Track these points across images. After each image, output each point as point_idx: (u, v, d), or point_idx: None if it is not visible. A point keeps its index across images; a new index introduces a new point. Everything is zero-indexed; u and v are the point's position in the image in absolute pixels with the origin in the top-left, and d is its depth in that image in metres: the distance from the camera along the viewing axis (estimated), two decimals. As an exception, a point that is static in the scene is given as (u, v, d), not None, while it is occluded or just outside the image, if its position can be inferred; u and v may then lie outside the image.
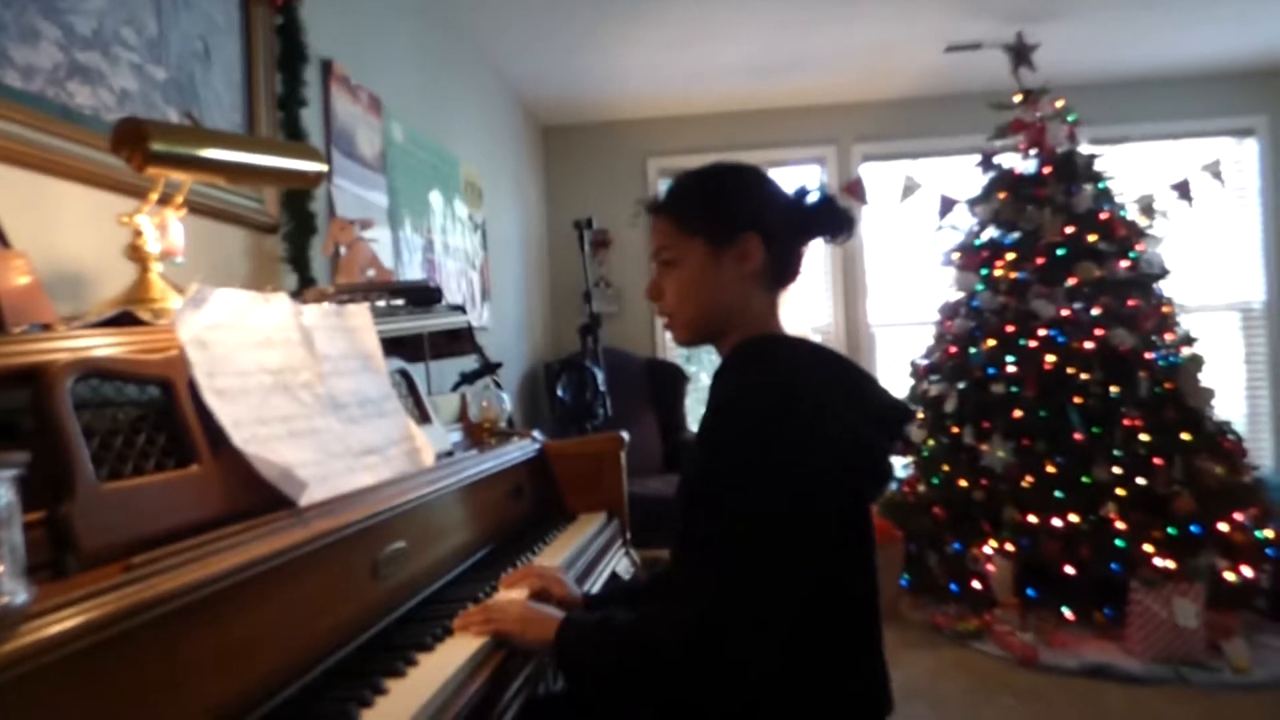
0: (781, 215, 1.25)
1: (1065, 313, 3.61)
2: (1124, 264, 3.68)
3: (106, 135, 1.26)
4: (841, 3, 3.79)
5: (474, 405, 2.09)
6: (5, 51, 1.33)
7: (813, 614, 1.09)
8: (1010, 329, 3.67)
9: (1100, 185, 3.83)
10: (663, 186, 1.45)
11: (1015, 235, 3.85)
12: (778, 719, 1.11)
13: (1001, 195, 3.89)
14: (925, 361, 4.10)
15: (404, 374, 1.70)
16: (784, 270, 1.27)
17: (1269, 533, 3.34)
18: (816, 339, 1.38)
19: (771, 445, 1.06)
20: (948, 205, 4.32)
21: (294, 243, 2.14)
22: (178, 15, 1.77)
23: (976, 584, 3.47)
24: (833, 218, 1.26)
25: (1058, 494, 3.39)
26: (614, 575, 1.93)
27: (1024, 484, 3.46)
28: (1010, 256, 3.81)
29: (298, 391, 1.23)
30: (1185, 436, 3.42)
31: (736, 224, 1.22)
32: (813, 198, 1.26)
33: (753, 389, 1.11)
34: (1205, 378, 3.55)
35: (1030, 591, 3.39)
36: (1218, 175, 4.17)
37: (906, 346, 5.01)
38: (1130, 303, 3.62)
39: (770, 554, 1.04)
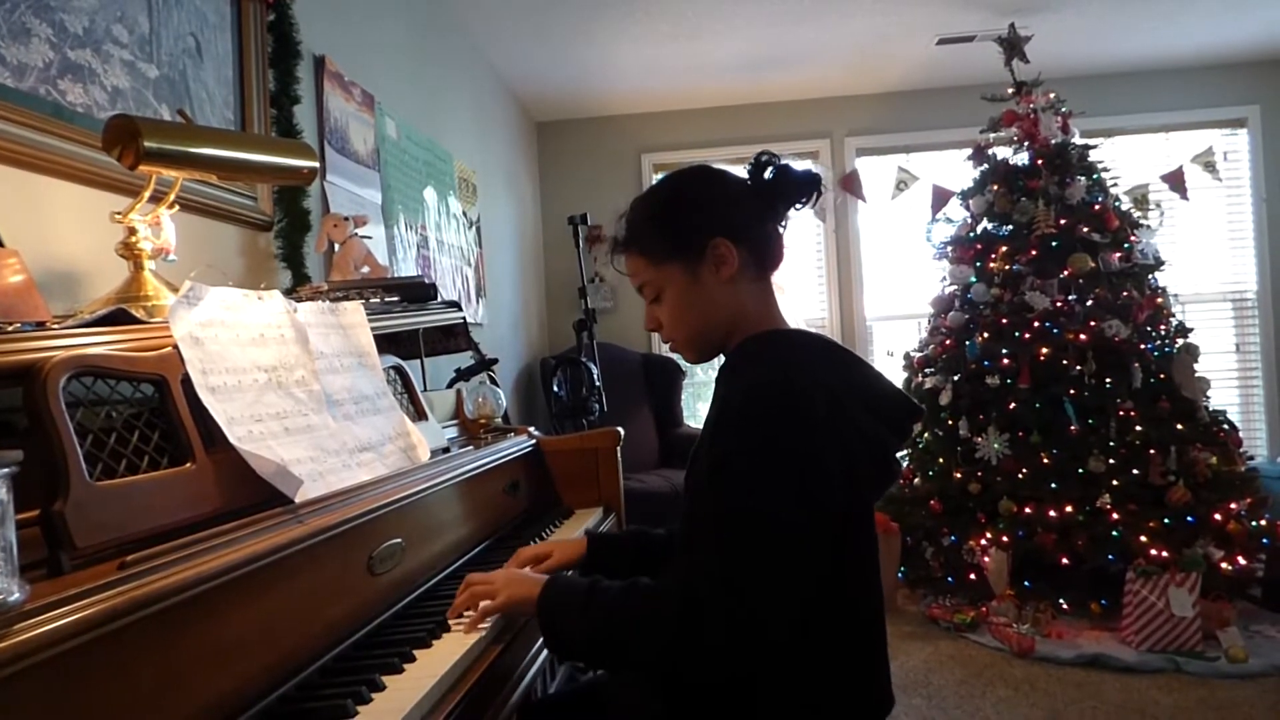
0: (740, 207, 1.22)
1: (1059, 304, 3.62)
2: (1117, 255, 3.69)
3: (99, 133, 1.25)
4: (834, -4, 3.80)
5: (469, 401, 2.09)
6: (-5, 50, 1.33)
7: (814, 612, 1.09)
8: (1004, 321, 3.68)
9: (1094, 177, 3.84)
10: (656, 180, 1.42)
11: (1009, 228, 3.86)
12: (780, 716, 1.11)
13: (995, 188, 3.90)
14: (920, 354, 4.10)
15: (399, 370, 1.70)
16: (765, 258, 1.23)
17: (1263, 522, 3.35)
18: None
19: (778, 445, 1.05)
20: (941, 198, 4.33)
21: (288, 240, 2.14)
22: (169, 12, 1.76)
23: (973, 576, 3.48)
24: (793, 186, 1.22)
25: (1053, 485, 3.40)
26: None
27: (1019, 476, 3.47)
28: (1004, 249, 3.81)
29: (292, 389, 1.23)
30: (1179, 427, 3.43)
31: (699, 236, 1.19)
32: (768, 173, 1.22)
33: (759, 388, 1.09)
34: (1200, 368, 3.57)
35: (1026, 583, 3.41)
36: (1210, 166, 4.18)
37: (901, 339, 5.03)
38: (1124, 294, 3.63)
39: (772, 551, 1.03)
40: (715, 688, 1.13)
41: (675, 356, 5.20)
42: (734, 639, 1.01)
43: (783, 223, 1.25)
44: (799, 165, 1.23)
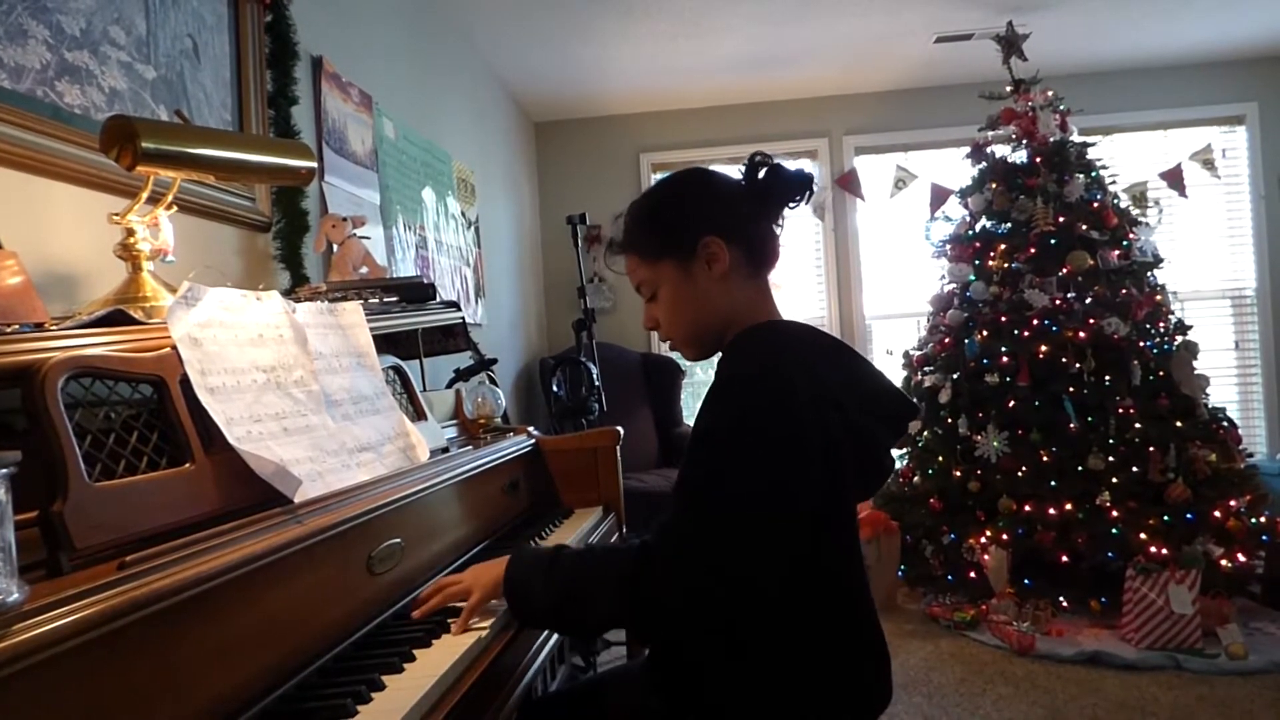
0: (730, 206, 1.24)
1: (1058, 302, 3.62)
2: (1116, 253, 3.69)
3: (96, 134, 1.25)
4: (832, -5, 3.80)
5: (469, 401, 2.09)
6: (-8, 51, 1.32)
7: (794, 598, 1.10)
8: (1003, 319, 3.68)
9: (1092, 174, 3.84)
10: (655, 180, 1.44)
11: (1007, 226, 3.86)
12: (773, 707, 1.12)
13: (993, 186, 3.90)
14: (919, 353, 4.10)
15: (398, 371, 1.70)
16: (759, 256, 1.26)
17: (1263, 519, 3.35)
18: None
19: (753, 423, 1.06)
20: (940, 196, 4.33)
21: (286, 240, 2.14)
22: (166, 13, 1.76)
23: (972, 574, 3.48)
24: (787, 185, 1.24)
25: (1052, 483, 3.40)
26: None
27: (1019, 474, 3.47)
28: (1002, 247, 3.81)
29: (291, 389, 1.23)
30: (1179, 424, 3.43)
31: (690, 234, 1.22)
32: (762, 173, 1.24)
33: (743, 373, 1.12)
34: (1199, 365, 3.57)
35: (1026, 581, 3.41)
36: (1209, 163, 4.18)
37: (900, 337, 5.03)
38: (1123, 291, 3.63)
39: (730, 517, 1.05)
40: (710, 682, 1.14)
41: (675, 356, 5.20)
42: (679, 592, 1.05)
43: (778, 222, 1.27)
44: (793, 165, 1.25)
